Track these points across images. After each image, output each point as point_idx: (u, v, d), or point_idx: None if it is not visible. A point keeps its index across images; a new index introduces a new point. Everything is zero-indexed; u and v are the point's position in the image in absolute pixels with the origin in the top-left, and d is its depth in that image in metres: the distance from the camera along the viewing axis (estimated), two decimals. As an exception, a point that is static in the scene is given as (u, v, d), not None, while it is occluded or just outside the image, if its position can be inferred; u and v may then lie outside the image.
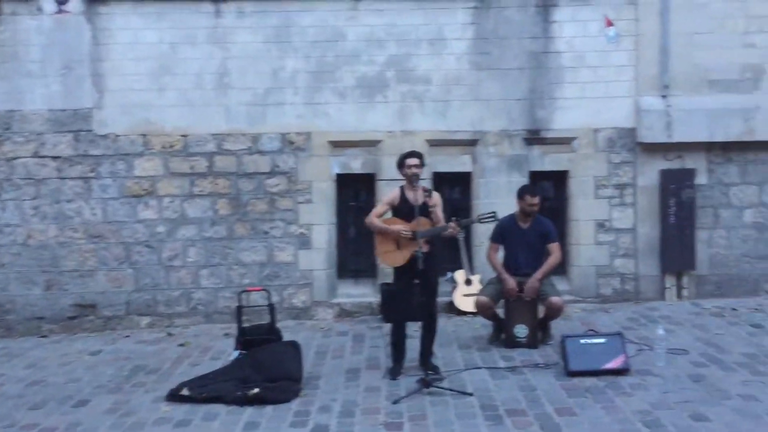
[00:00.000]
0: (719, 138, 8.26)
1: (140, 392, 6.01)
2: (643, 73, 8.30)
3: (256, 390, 5.60)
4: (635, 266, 8.41)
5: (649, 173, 8.34)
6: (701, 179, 8.35)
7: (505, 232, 6.85)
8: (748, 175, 8.40)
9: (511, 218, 6.87)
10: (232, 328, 7.53)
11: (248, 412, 5.40)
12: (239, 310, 6.58)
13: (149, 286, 8.30)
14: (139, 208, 8.26)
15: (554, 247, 6.78)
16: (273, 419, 5.28)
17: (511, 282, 6.67)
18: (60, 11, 8.14)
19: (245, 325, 6.55)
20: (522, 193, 6.84)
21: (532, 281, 6.59)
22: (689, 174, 8.29)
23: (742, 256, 8.47)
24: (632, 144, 8.33)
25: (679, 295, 8.37)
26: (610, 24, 8.27)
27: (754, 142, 8.26)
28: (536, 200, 6.75)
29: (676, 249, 8.29)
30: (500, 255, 6.91)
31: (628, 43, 8.29)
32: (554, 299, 6.61)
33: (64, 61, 8.16)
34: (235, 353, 6.30)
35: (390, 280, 6.67)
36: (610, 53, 8.30)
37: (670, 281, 8.38)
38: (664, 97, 8.26)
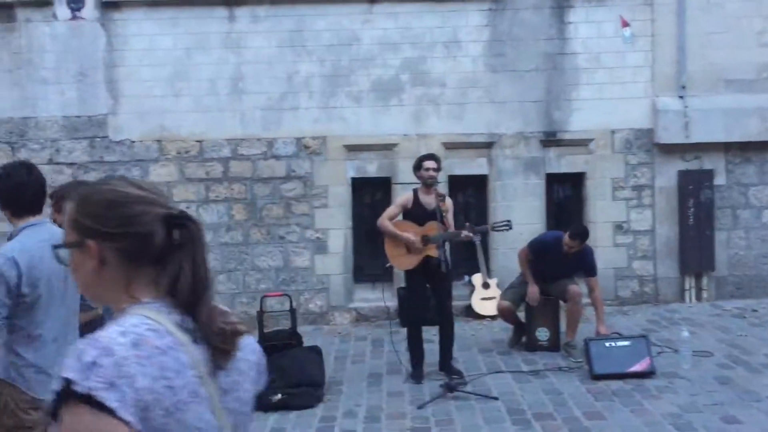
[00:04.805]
0: (736, 138, 8.21)
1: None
2: (659, 74, 8.26)
3: (279, 396, 5.56)
4: (654, 268, 8.35)
5: (667, 174, 8.29)
6: (719, 180, 8.29)
7: (546, 251, 6.59)
8: (767, 175, 8.35)
9: (558, 242, 6.54)
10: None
11: (273, 418, 5.36)
12: (260, 315, 6.53)
13: (165, 292, 8.25)
14: (154, 214, 8.22)
15: (594, 282, 6.57)
16: (298, 425, 5.24)
17: (536, 289, 6.58)
18: (74, 18, 8.12)
19: (266, 330, 6.50)
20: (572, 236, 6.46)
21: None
22: (707, 175, 8.24)
23: (761, 257, 8.40)
24: (649, 145, 8.28)
25: (699, 297, 8.31)
26: (625, 24, 8.22)
27: (773, 141, 8.22)
28: (575, 243, 6.43)
29: (695, 250, 8.23)
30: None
31: (644, 43, 8.25)
32: (572, 287, 6.52)
33: (79, 67, 8.14)
34: (256, 359, 6.23)
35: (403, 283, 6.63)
36: (626, 54, 8.26)
37: (689, 283, 8.33)
38: (681, 97, 8.22)
